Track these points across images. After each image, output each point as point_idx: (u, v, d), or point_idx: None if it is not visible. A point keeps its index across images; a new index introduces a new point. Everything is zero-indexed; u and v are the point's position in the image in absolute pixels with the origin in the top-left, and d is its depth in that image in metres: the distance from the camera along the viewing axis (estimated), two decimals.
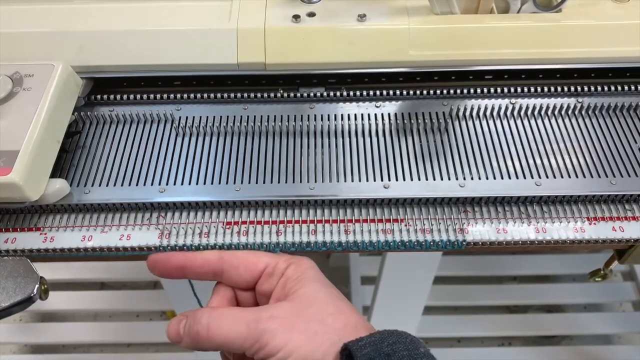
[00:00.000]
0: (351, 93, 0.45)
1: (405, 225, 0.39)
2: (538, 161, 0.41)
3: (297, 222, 0.39)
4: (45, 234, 0.39)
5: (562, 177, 0.40)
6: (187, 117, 0.45)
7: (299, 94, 0.46)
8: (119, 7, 0.46)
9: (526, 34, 0.45)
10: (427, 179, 0.40)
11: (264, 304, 0.33)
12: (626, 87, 0.46)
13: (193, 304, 0.62)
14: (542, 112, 0.44)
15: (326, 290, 0.33)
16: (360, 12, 0.45)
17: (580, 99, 0.46)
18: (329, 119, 0.44)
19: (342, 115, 0.45)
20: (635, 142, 0.42)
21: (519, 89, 0.46)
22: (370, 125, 0.44)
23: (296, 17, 0.45)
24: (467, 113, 0.44)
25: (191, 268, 0.34)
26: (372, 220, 0.39)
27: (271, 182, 0.40)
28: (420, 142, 0.43)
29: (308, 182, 0.40)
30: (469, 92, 0.46)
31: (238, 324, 0.31)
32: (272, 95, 0.46)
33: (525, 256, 1.14)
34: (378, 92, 0.45)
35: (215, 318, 0.31)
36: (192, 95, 0.46)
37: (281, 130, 0.43)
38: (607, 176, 0.40)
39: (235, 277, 0.34)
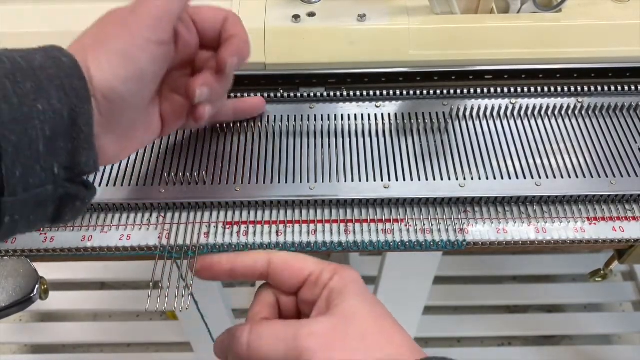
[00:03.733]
0: (351, 93, 0.45)
1: (405, 225, 0.39)
2: (538, 161, 0.41)
3: (297, 222, 0.39)
4: (45, 234, 0.39)
5: (562, 177, 0.40)
6: None
7: (299, 94, 0.46)
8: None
9: (526, 34, 0.45)
10: (427, 179, 0.40)
11: (306, 311, 0.33)
12: (626, 87, 0.46)
13: (199, 321, 0.62)
14: (542, 112, 0.44)
15: (369, 307, 0.31)
16: (360, 12, 0.45)
17: (580, 99, 0.46)
18: (329, 119, 0.44)
19: (342, 115, 0.45)
20: (635, 142, 0.42)
21: (519, 89, 0.46)
22: (370, 125, 0.44)
23: (296, 17, 0.45)
24: (467, 113, 0.44)
25: (239, 270, 0.34)
26: (372, 220, 0.39)
27: (271, 182, 0.40)
28: (420, 142, 0.43)
29: (308, 182, 0.40)
30: (469, 92, 0.46)
31: (277, 343, 0.30)
32: (272, 95, 0.46)
33: (525, 256, 1.14)
34: (378, 92, 0.45)
35: (255, 337, 0.31)
36: None
37: (281, 130, 0.43)
38: (607, 176, 0.40)
39: (280, 281, 0.34)
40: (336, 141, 0.43)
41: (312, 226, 0.39)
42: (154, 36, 0.31)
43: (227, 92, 0.39)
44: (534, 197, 0.39)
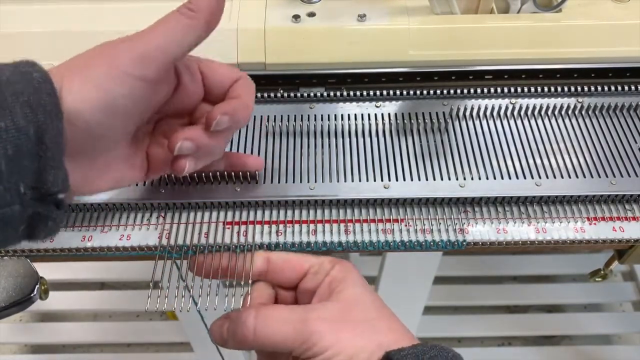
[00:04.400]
0: (351, 93, 0.45)
1: (405, 225, 0.39)
2: (538, 161, 0.41)
3: (297, 222, 0.39)
4: None
5: (562, 177, 0.40)
6: None
7: (299, 94, 0.46)
8: (119, 7, 0.46)
9: (526, 34, 0.45)
10: (427, 179, 0.40)
11: (305, 301, 0.34)
12: (626, 87, 0.46)
13: (198, 321, 0.62)
14: (542, 112, 0.44)
15: (370, 295, 0.33)
16: (360, 12, 0.45)
17: (580, 99, 0.46)
18: (329, 119, 0.44)
19: (342, 115, 0.45)
20: (635, 142, 0.42)
21: (519, 89, 0.46)
22: (370, 125, 0.44)
23: (296, 17, 0.45)
24: (467, 113, 0.44)
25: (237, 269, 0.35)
26: (372, 220, 0.39)
27: (271, 182, 0.40)
28: (420, 142, 0.43)
29: (308, 182, 0.40)
30: (469, 92, 0.46)
31: (285, 326, 0.31)
32: (272, 95, 0.45)
33: (525, 256, 1.14)
34: (378, 92, 0.45)
35: (262, 320, 0.31)
36: None
37: (281, 130, 0.43)
38: (607, 176, 0.40)
39: (279, 277, 0.35)
40: (336, 141, 0.43)
41: (312, 226, 0.39)
42: (135, 71, 0.30)
43: (224, 148, 0.37)
44: (534, 197, 0.39)
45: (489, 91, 0.46)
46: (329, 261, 0.35)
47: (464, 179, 0.40)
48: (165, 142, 0.34)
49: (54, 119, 0.27)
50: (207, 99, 0.36)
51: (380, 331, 0.32)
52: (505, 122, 0.44)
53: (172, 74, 0.33)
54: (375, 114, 0.45)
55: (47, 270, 0.40)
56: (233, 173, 0.39)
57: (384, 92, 0.45)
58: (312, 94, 0.45)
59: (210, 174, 0.39)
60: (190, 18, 0.30)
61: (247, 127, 0.44)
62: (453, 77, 0.46)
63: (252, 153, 0.42)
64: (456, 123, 0.44)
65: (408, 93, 0.45)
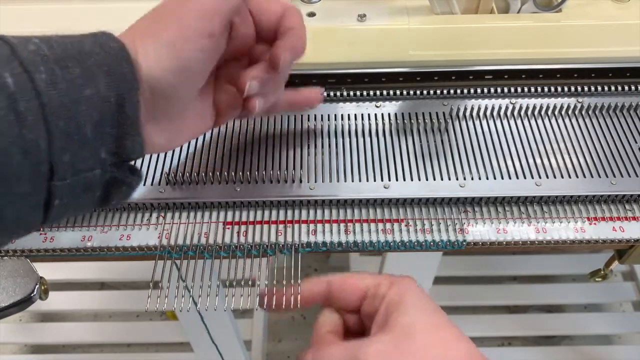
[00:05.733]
0: (351, 93, 0.45)
1: (405, 225, 0.39)
2: (538, 161, 0.41)
3: (297, 222, 0.39)
4: (45, 234, 0.39)
5: (562, 177, 0.40)
6: None
7: None
8: (118, 7, 0.46)
9: (526, 34, 0.45)
10: (427, 179, 0.40)
11: (369, 325, 0.32)
12: (626, 87, 0.46)
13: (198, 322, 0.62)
14: (542, 112, 0.44)
15: (427, 318, 0.31)
16: (360, 12, 0.45)
17: (580, 99, 0.46)
18: (329, 119, 0.44)
19: (342, 115, 0.45)
20: (636, 142, 0.42)
21: (519, 89, 0.46)
22: (370, 125, 0.44)
23: None
24: (467, 113, 0.44)
25: (302, 300, 0.34)
26: (372, 220, 0.39)
27: (271, 182, 0.40)
28: (420, 142, 0.43)
29: (308, 182, 0.40)
30: (469, 92, 0.46)
31: None
32: None
33: (525, 256, 1.14)
34: (378, 92, 0.45)
35: None
36: None
37: (281, 130, 0.43)
38: (607, 176, 0.40)
39: (342, 301, 0.33)
40: (336, 141, 0.43)
41: (312, 226, 0.39)
42: (203, 29, 0.31)
43: (283, 84, 0.39)
44: (534, 197, 0.39)
45: (489, 91, 0.46)
46: (385, 282, 0.32)
47: (464, 179, 0.40)
48: (229, 88, 0.36)
49: (132, 88, 0.29)
50: (259, 36, 0.36)
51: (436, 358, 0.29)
52: (505, 122, 0.44)
53: (229, 23, 0.34)
54: (375, 114, 0.45)
55: (47, 270, 0.40)
56: (235, 170, 0.39)
57: (384, 92, 0.45)
58: None
59: (209, 173, 0.39)
60: None
61: (247, 127, 0.44)
62: (453, 77, 0.46)
63: (251, 153, 0.42)
64: (456, 123, 0.44)
65: (408, 93, 0.45)
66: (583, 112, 0.45)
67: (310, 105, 0.42)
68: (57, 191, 0.27)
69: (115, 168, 0.30)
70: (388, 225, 0.39)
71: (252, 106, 0.36)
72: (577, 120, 0.44)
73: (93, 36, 0.29)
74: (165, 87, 0.30)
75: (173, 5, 0.31)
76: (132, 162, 0.31)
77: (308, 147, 0.42)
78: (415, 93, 0.46)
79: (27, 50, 0.26)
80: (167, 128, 0.33)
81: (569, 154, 0.42)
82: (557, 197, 0.39)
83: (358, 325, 0.34)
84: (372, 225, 0.39)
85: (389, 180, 0.40)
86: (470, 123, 0.44)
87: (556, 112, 0.45)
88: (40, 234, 0.39)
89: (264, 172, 0.40)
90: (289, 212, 0.39)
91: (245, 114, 0.37)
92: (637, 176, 0.40)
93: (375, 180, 0.40)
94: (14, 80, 0.25)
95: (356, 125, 0.44)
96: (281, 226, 0.39)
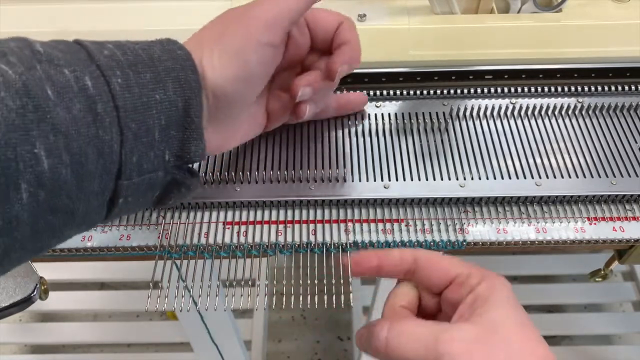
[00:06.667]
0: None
1: (405, 225, 0.39)
2: (538, 161, 0.41)
3: (297, 222, 0.39)
4: None
5: (562, 177, 0.40)
6: None
7: None
8: (118, 7, 0.46)
9: (526, 34, 0.45)
10: (427, 179, 0.40)
11: (447, 310, 0.32)
12: (626, 87, 0.46)
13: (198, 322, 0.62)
14: (542, 112, 0.44)
15: (515, 318, 0.31)
16: (360, 12, 0.45)
17: (580, 99, 0.46)
18: (329, 119, 0.44)
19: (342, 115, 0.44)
20: (636, 142, 0.42)
21: (519, 89, 0.46)
22: (370, 125, 0.44)
23: None
24: (467, 113, 0.44)
25: (385, 267, 0.34)
26: (372, 220, 0.39)
27: (271, 182, 0.40)
28: (420, 142, 0.43)
29: (308, 182, 0.40)
30: (469, 92, 0.46)
31: (416, 343, 0.30)
32: None
33: (525, 256, 1.14)
34: (378, 92, 0.45)
35: (394, 335, 0.31)
36: None
37: (280, 131, 0.43)
38: (607, 176, 0.40)
39: (426, 280, 0.33)
40: (336, 141, 0.43)
41: (312, 226, 0.39)
42: (266, 39, 0.32)
43: (332, 92, 0.41)
44: (534, 197, 0.39)
45: (489, 91, 0.46)
46: (476, 274, 0.32)
47: (464, 179, 0.40)
48: (280, 94, 0.38)
49: (197, 94, 0.30)
50: (313, 45, 0.38)
51: (520, 359, 0.29)
52: (505, 122, 0.44)
53: (287, 33, 0.35)
54: (375, 114, 0.45)
55: (47, 270, 0.40)
56: (235, 170, 0.39)
57: (384, 92, 0.45)
58: None
59: (209, 174, 0.39)
60: None
61: None
62: (453, 77, 0.46)
63: (251, 154, 0.42)
64: (456, 123, 0.44)
65: (408, 93, 0.45)
66: (583, 112, 0.45)
67: (357, 109, 0.44)
68: (123, 190, 0.28)
69: (177, 170, 0.31)
70: (388, 225, 0.39)
71: (302, 111, 0.38)
72: (577, 120, 0.44)
73: (160, 43, 0.31)
74: (228, 93, 0.32)
75: (237, 15, 0.33)
76: (192, 165, 0.33)
77: (308, 147, 0.42)
78: (415, 93, 0.46)
79: (102, 55, 0.28)
80: (223, 131, 0.35)
81: (569, 154, 0.42)
82: (557, 197, 0.39)
83: (431, 306, 0.34)
84: (372, 225, 0.39)
85: (389, 180, 0.40)
86: (470, 123, 0.44)
87: (556, 112, 0.45)
88: None
89: (263, 172, 0.40)
90: (289, 212, 0.39)
91: (295, 118, 0.39)
92: (637, 176, 0.40)
93: (375, 180, 0.40)
94: (93, 83, 0.26)
95: (356, 125, 0.44)
96: (281, 226, 0.39)
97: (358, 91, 0.45)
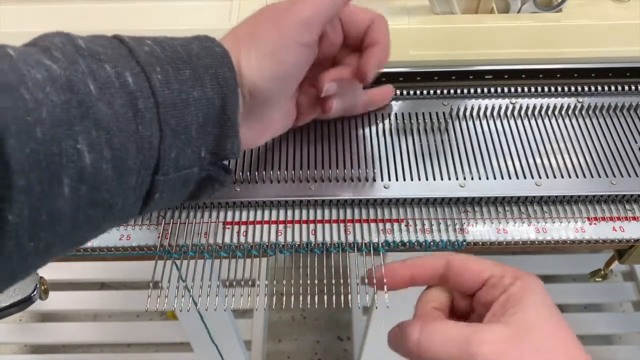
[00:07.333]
0: None
1: (405, 225, 0.39)
2: (538, 161, 0.41)
3: (297, 222, 0.39)
4: None
5: (562, 177, 0.40)
6: None
7: None
8: (118, 7, 0.46)
9: (526, 34, 0.45)
10: (427, 179, 0.40)
11: (480, 312, 0.32)
12: (626, 87, 0.46)
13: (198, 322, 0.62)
14: (542, 112, 0.44)
15: (549, 318, 0.30)
16: None
17: (580, 99, 0.46)
18: (329, 120, 0.44)
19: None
20: (636, 142, 0.42)
21: (519, 89, 0.46)
22: (370, 125, 0.44)
23: None
24: (467, 113, 0.44)
25: (419, 277, 0.34)
26: (372, 220, 0.39)
27: (271, 182, 0.40)
28: (420, 142, 0.43)
29: (308, 182, 0.40)
30: (469, 92, 0.46)
31: (448, 345, 0.30)
32: None
33: (525, 256, 1.14)
34: None
35: (426, 336, 0.30)
36: None
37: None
38: (607, 176, 0.40)
39: (459, 283, 0.33)
40: (336, 141, 0.43)
41: (312, 226, 0.39)
42: (301, 38, 0.32)
43: (362, 87, 0.41)
44: (534, 197, 0.39)
45: (489, 91, 0.46)
46: (510, 275, 0.31)
47: (464, 179, 0.40)
48: (310, 90, 0.38)
49: (234, 91, 0.30)
50: (345, 42, 0.38)
51: None
52: (505, 122, 0.44)
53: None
54: (376, 114, 0.45)
55: (47, 270, 0.40)
56: (234, 170, 0.39)
57: None
58: None
59: None
60: None
61: None
62: (453, 77, 0.46)
63: (251, 153, 0.42)
64: (456, 123, 0.44)
65: (408, 93, 0.45)
66: (583, 112, 0.45)
67: (384, 102, 0.44)
68: (159, 185, 0.28)
69: (212, 166, 0.32)
70: (388, 225, 0.39)
71: (328, 106, 0.38)
72: (577, 120, 0.44)
73: (198, 40, 0.31)
74: (264, 92, 0.32)
75: (273, 14, 0.33)
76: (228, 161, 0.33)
77: (308, 147, 0.42)
78: (415, 93, 0.46)
79: (142, 51, 0.28)
80: (256, 127, 0.35)
81: (569, 154, 0.42)
82: (557, 197, 0.39)
83: (464, 307, 0.34)
84: (372, 225, 0.39)
85: (389, 180, 0.40)
86: (470, 123, 0.44)
87: (556, 112, 0.45)
88: None
89: (263, 172, 0.40)
90: (289, 212, 0.39)
91: (323, 114, 0.39)
92: (637, 176, 0.40)
93: (375, 180, 0.40)
94: (134, 79, 0.26)
95: (357, 125, 0.44)
96: (281, 226, 0.39)
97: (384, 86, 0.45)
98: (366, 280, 0.34)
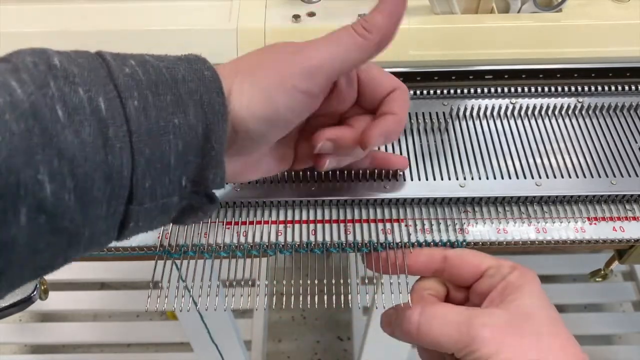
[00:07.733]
0: None
1: (405, 225, 0.39)
2: (538, 161, 0.41)
3: (297, 222, 0.39)
4: None
5: (562, 177, 0.40)
6: None
7: None
8: (118, 7, 0.46)
9: (526, 34, 0.45)
10: (427, 179, 0.40)
11: (476, 303, 0.33)
12: (626, 87, 0.46)
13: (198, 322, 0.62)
14: (542, 112, 0.44)
15: (546, 310, 0.31)
16: (360, 12, 0.45)
17: (580, 99, 0.46)
18: None
19: None
20: (636, 142, 0.42)
21: (519, 89, 0.46)
22: None
23: (296, 17, 0.45)
24: (467, 113, 0.44)
25: (413, 266, 0.34)
26: (372, 220, 0.39)
27: (271, 182, 0.40)
28: (420, 142, 0.43)
29: (308, 182, 0.40)
30: (469, 92, 0.46)
31: (449, 327, 0.30)
32: None
33: (525, 256, 1.14)
34: None
35: (426, 319, 0.31)
36: None
37: None
38: (607, 176, 0.40)
39: (456, 275, 0.33)
40: None
41: (312, 226, 0.39)
42: (302, 85, 0.30)
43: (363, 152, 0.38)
44: (534, 197, 0.39)
45: (489, 91, 0.46)
46: (508, 265, 0.32)
47: (464, 179, 0.40)
48: (311, 138, 0.35)
49: (220, 119, 0.28)
50: (360, 102, 0.35)
51: (550, 349, 0.29)
52: (505, 122, 0.44)
53: (331, 83, 0.32)
54: None
55: None
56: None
57: None
58: None
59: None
60: (364, 37, 0.30)
61: None
62: (453, 77, 0.46)
63: None
64: (456, 123, 0.44)
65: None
66: (583, 112, 0.45)
67: (396, 169, 0.40)
68: (134, 214, 0.27)
69: (194, 195, 0.30)
70: (388, 225, 0.38)
71: (320, 164, 0.36)
72: (577, 120, 0.44)
73: (187, 61, 0.29)
74: (249, 129, 0.30)
75: (281, 53, 0.31)
76: (213, 191, 0.31)
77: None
78: (415, 93, 0.46)
79: (123, 73, 0.26)
80: (244, 161, 0.33)
81: (569, 154, 0.42)
82: (557, 197, 0.39)
83: (458, 299, 0.34)
84: (372, 225, 0.39)
85: (389, 180, 0.40)
86: (470, 123, 0.44)
87: (556, 112, 0.45)
88: None
89: None
90: (289, 212, 0.39)
91: (315, 168, 0.37)
92: (637, 176, 0.40)
93: (375, 180, 0.40)
94: (107, 105, 0.25)
95: None
96: (281, 226, 0.39)
97: (399, 154, 0.42)
98: (365, 263, 0.36)
